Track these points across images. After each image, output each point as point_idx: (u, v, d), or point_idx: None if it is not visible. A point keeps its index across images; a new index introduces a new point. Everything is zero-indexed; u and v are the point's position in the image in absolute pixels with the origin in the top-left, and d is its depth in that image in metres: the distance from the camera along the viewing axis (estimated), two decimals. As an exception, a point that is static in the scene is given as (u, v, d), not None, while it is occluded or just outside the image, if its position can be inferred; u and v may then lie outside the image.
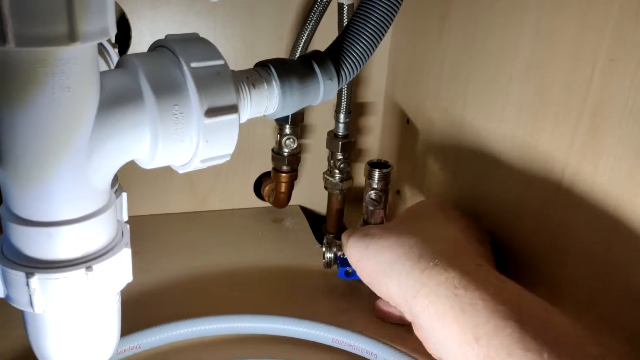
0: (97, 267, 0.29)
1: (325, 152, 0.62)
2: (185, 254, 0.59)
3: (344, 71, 0.38)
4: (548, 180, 0.39)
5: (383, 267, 0.43)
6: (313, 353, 0.46)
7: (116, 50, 0.42)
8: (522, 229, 0.43)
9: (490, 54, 0.45)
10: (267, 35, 0.60)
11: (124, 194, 0.39)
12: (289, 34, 0.60)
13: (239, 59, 0.60)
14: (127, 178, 0.51)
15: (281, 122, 0.60)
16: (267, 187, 0.66)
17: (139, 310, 0.50)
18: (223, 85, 0.31)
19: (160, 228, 0.63)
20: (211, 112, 0.30)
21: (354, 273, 0.54)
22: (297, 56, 0.54)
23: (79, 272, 0.29)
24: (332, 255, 0.55)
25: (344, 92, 0.58)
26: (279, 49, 0.61)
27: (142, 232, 0.62)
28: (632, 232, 0.33)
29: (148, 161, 0.31)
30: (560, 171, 0.38)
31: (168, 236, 0.62)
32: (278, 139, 0.61)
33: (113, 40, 0.52)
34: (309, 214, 0.70)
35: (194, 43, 0.31)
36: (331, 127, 0.61)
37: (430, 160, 0.57)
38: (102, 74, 0.29)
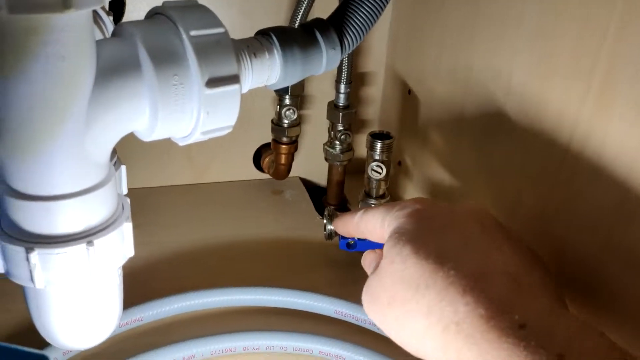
0: (98, 241, 0.29)
1: (325, 123, 0.61)
2: (185, 227, 0.59)
3: (347, 40, 0.37)
4: (555, 147, 0.39)
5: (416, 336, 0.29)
6: (316, 325, 0.46)
7: (111, 18, 0.41)
8: (527, 198, 0.43)
9: (494, 20, 0.44)
10: (265, 4, 0.59)
11: (123, 167, 0.38)
12: (288, 2, 0.59)
13: (237, 29, 0.58)
14: (125, 150, 0.50)
15: (281, 92, 0.59)
16: (266, 159, 0.65)
17: (140, 284, 0.50)
18: (224, 54, 0.30)
19: (159, 201, 0.62)
20: (212, 82, 0.29)
21: (355, 245, 0.54)
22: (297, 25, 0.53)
23: (80, 247, 0.28)
24: (333, 227, 0.54)
25: (345, 61, 0.57)
26: (278, 18, 0.59)
27: (142, 205, 0.61)
28: None
29: (148, 133, 0.30)
30: (567, 137, 0.37)
31: (167, 209, 0.61)
32: (278, 110, 0.60)
33: (107, 8, 0.51)
34: (309, 185, 0.69)
35: (193, 10, 0.30)
36: (331, 97, 0.60)
37: (432, 131, 0.56)
38: (99, 42, 0.28)
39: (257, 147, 0.66)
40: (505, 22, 0.43)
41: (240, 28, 0.59)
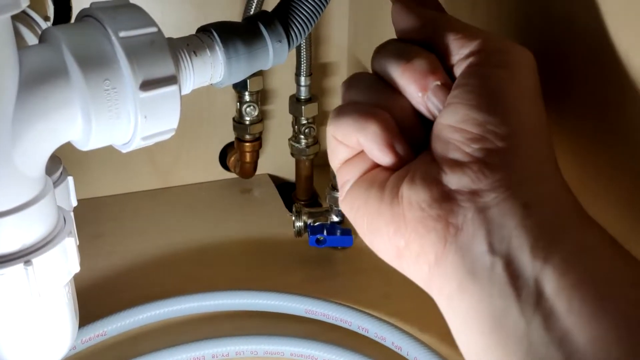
0: (37, 260, 0.27)
1: (290, 117, 0.60)
2: (151, 234, 0.57)
3: (294, 31, 0.35)
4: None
5: None
6: (287, 325, 0.45)
7: (49, 23, 0.39)
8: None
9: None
10: (219, -3, 0.57)
11: (70, 178, 0.37)
12: (243, -5, 0.57)
13: (191, 24, 0.57)
14: (82, 159, 0.49)
15: (239, 89, 0.58)
16: (232, 158, 0.63)
17: (104, 296, 0.49)
18: (158, 54, 0.28)
19: (123, 208, 0.61)
20: (147, 84, 0.28)
21: (325, 241, 0.53)
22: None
23: (18, 268, 0.27)
24: (302, 223, 0.53)
25: (303, 53, 0.55)
26: (233, 12, 0.58)
27: (105, 213, 0.59)
28: None
29: (84, 142, 0.29)
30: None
31: (132, 216, 0.60)
32: (238, 107, 0.59)
33: (52, 13, 0.49)
34: (278, 181, 0.68)
35: (123, 10, 0.28)
36: (293, 91, 0.58)
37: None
38: (22, 50, 0.26)
39: (222, 147, 0.65)
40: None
41: (194, 22, 0.57)
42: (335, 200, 0.52)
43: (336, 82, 0.65)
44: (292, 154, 0.60)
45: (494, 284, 0.23)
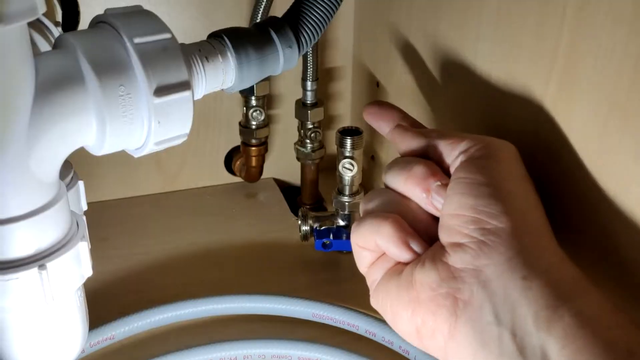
0: (51, 264, 0.27)
1: (295, 122, 0.60)
2: (157, 237, 0.57)
3: (304, 37, 0.36)
4: (524, 131, 0.38)
5: None
6: (295, 329, 0.46)
7: (59, 28, 0.39)
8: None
9: (457, 9, 0.44)
10: (226, 4, 0.57)
11: (80, 183, 0.37)
12: (249, 0, 0.58)
13: (196, 29, 0.57)
14: (90, 163, 0.49)
15: (246, 93, 0.58)
16: (237, 162, 0.64)
17: (111, 299, 0.49)
18: (172, 60, 0.29)
19: (129, 212, 0.61)
20: (161, 90, 0.28)
21: (331, 245, 0.53)
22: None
23: (32, 272, 0.27)
24: (308, 227, 0.53)
25: (310, 58, 0.56)
26: (240, 17, 0.58)
27: (111, 217, 0.59)
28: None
29: (98, 147, 0.29)
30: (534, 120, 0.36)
31: (138, 220, 0.60)
32: (244, 111, 0.59)
33: (60, 18, 0.49)
34: (283, 186, 0.68)
35: (137, 16, 0.29)
36: (299, 95, 0.59)
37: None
38: (38, 57, 0.27)
39: (227, 151, 0.65)
40: (469, 3, 0.42)
41: (200, 27, 0.58)
42: (341, 204, 0.52)
43: (342, 87, 0.66)
44: (298, 158, 0.61)
45: (503, 354, 0.25)
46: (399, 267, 0.30)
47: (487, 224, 0.27)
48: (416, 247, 0.30)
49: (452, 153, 0.31)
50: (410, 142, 0.33)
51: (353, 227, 0.32)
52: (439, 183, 0.30)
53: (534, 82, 0.36)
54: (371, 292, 0.32)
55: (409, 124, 0.36)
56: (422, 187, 0.31)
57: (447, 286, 0.27)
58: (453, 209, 0.29)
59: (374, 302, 0.32)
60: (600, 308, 0.25)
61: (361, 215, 0.33)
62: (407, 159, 0.32)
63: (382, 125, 0.37)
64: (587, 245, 0.33)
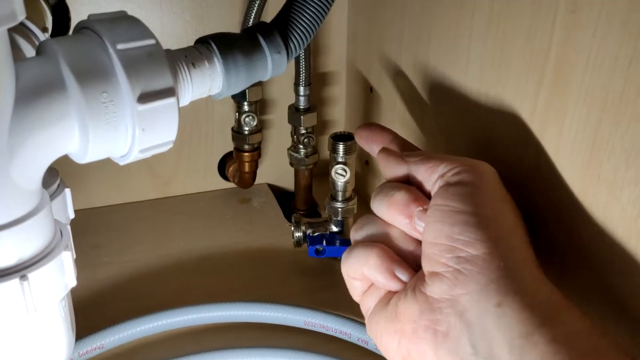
0: (33, 275, 0.27)
1: (289, 127, 0.60)
2: (150, 244, 0.57)
3: (293, 42, 0.35)
4: (515, 144, 0.38)
5: None
6: (286, 336, 0.45)
7: (47, 34, 0.39)
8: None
9: (450, 13, 0.43)
10: (219, 7, 0.57)
11: (67, 190, 0.37)
12: (241, 4, 0.57)
13: (189, 34, 0.57)
14: (80, 168, 0.48)
15: (238, 99, 0.57)
16: (231, 168, 0.63)
17: (102, 307, 0.48)
18: (156, 66, 0.28)
19: (122, 218, 0.60)
20: (145, 97, 0.27)
21: (324, 251, 0.53)
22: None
23: (13, 283, 0.26)
24: (301, 233, 0.53)
25: (302, 63, 0.55)
26: (232, 22, 0.57)
27: (103, 223, 0.59)
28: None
29: (81, 155, 0.28)
30: (525, 135, 0.36)
31: (131, 226, 0.59)
32: (237, 117, 0.58)
33: (50, 24, 0.49)
34: (278, 191, 0.67)
35: (120, 22, 0.28)
36: (292, 100, 0.58)
37: (397, 129, 0.55)
38: (18, 63, 0.26)
39: (221, 156, 0.64)
40: (461, 11, 0.42)
41: (193, 32, 0.58)
42: (334, 210, 0.52)
43: (335, 92, 0.65)
44: (291, 164, 0.60)
45: None
46: (389, 296, 0.30)
47: (462, 252, 0.27)
48: (402, 275, 0.30)
49: (431, 177, 0.31)
50: (393, 169, 0.33)
51: (343, 258, 0.33)
52: (420, 208, 0.30)
53: (522, 98, 0.36)
54: (366, 320, 0.32)
55: (398, 146, 0.36)
56: (404, 213, 0.31)
57: (426, 318, 0.27)
58: (432, 237, 0.29)
59: (368, 330, 0.32)
60: (576, 330, 0.25)
61: (352, 243, 0.34)
62: (390, 185, 0.32)
63: (374, 148, 0.37)
64: (571, 265, 0.33)
